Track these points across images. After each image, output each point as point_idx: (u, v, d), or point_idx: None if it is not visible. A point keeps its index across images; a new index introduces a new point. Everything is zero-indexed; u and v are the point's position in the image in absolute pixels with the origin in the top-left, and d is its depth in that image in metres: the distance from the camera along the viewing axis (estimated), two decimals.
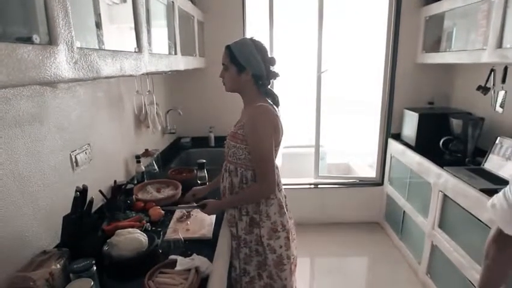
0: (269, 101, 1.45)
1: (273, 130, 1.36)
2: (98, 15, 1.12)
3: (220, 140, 2.97)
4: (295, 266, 1.59)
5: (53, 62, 0.75)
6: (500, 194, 0.92)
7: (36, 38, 0.73)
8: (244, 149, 1.38)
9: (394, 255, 2.83)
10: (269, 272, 1.46)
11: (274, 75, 1.44)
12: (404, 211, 2.75)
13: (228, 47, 1.38)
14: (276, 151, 1.42)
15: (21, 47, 0.66)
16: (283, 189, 1.52)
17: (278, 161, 1.48)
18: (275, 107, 1.45)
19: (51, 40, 0.76)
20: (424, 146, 2.60)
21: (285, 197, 1.54)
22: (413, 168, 2.55)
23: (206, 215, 1.51)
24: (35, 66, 0.70)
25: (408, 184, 2.68)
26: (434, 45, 2.70)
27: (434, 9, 2.60)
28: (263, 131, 1.34)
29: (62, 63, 0.78)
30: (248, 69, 1.36)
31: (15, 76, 0.64)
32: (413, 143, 2.70)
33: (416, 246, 2.52)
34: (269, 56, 1.41)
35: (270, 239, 1.43)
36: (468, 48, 2.20)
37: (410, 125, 2.76)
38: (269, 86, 1.47)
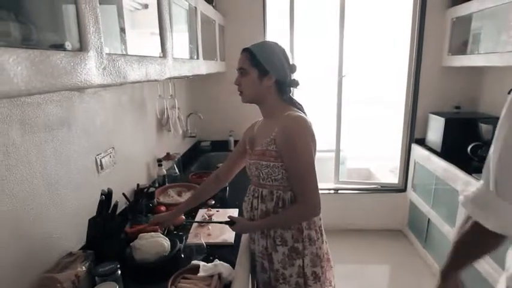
0: (295, 109, 1.26)
1: (312, 141, 1.20)
2: (122, 20, 1.14)
3: None
4: None
5: (84, 68, 0.76)
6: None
7: (68, 44, 0.74)
8: (280, 167, 1.19)
9: (418, 265, 2.73)
10: None
11: (295, 83, 1.29)
12: (429, 219, 2.66)
13: (247, 50, 1.23)
14: None
15: (54, 54, 0.67)
16: None
17: None
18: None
19: (82, 46, 0.77)
20: (450, 151, 2.50)
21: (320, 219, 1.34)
22: (439, 174, 2.46)
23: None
24: (67, 72, 0.71)
25: (433, 191, 2.59)
26: (461, 47, 2.61)
27: (462, 10, 2.51)
28: (302, 142, 1.16)
29: (91, 69, 0.79)
30: (272, 73, 1.20)
31: (48, 83, 0.65)
32: (438, 149, 2.61)
33: (442, 256, 2.41)
34: (290, 62, 1.27)
35: (314, 267, 1.25)
36: (498, 50, 2.11)
37: (435, 130, 2.68)
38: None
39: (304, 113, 1.29)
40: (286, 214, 1.22)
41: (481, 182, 0.83)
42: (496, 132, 0.81)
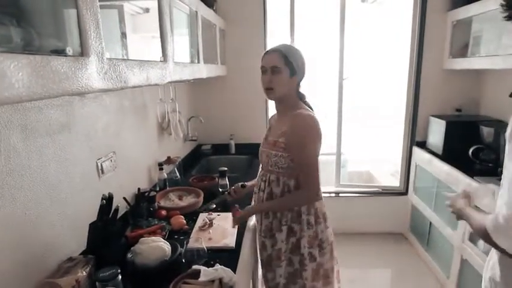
0: (307, 108, 1.43)
1: (318, 137, 1.36)
2: (123, 25, 1.15)
3: (240, 148, 2.97)
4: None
5: (85, 73, 0.76)
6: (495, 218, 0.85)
7: (69, 50, 0.74)
8: (286, 157, 1.35)
9: (420, 268, 2.72)
10: (303, 283, 1.42)
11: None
12: (430, 222, 2.65)
13: (278, 50, 1.35)
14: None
15: (55, 59, 0.67)
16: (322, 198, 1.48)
17: None
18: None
19: (83, 52, 0.77)
20: (451, 154, 2.49)
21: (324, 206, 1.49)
22: (441, 177, 2.45)
23: (228, 224, 1.54)
24: (68, 77, 0.71)
25: (435, 194, 2.58)
26: (462, 50, 2.61)
27: (462, 13, 2.51)
28: (309, 138, 1.33)
29: (92, 74, 0.79)
30: (298, 74, 1.37)
31: (49, 88, 0.65)
32: (440, 152, 2.60)
33: (445, 259, 2.41)
34: None
35: (311, 248, 1.40)
36: (500, 53, 2.11)
37: (436, 132, 2.67)
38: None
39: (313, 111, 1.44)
40: (290, 198, 1.40)
41: (505, 208, 0.83)
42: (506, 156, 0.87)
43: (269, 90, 1.37)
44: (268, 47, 2.94)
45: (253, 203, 1.61)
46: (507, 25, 2.05)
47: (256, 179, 1.61)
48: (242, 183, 1.65)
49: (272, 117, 1.57)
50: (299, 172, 1.36)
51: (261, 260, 1.54)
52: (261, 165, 1.54)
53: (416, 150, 2.97)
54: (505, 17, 0.95)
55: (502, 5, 0.94)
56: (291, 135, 1.33)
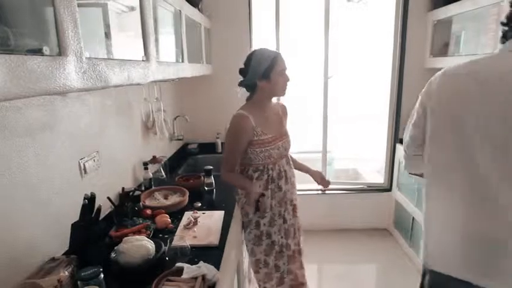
0: None
1: None
2: (107, 25, 1.14)
3: None
4: None
5: (62, 73, 0.76)
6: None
7: (46, 49, 0.74)
8: None
9: (404, 263, 2.79)
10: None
11: None
12: (413, 218, 2.71)
13: None
14: None
15: (31, 59, 0.67)
16: None
17: None
18: None
19: (61, 51, 0.77)
20: None
21: None
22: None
23: (212, 223, 1.57)
24: (45, 77, 0.71)
25: (417, 190, 2.64)
26: (442, 49, 2.68)
27: (442, 13, 2.58)
28: None
29: (71, 73, 0.79)
30: None
31: (26, 87, 0.65)
32: None
33: None
34: None
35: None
36: (478, 52, 2.17)
37: None
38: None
39: None
40: None
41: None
42: None
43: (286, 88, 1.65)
44: (254, 46, 2.96)
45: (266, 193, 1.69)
46: (485, 25, 2.12)
47: (256, 182, 1.66)
48: (260, 192, 1.61)
49: (246, 117, 1.63)
50: None
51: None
52: (271, 159, 1.66)
53: (399, 148, 3.04)
54: (502, 38, 0.96)
55: (502, 23, 0.96)
56: (286, 117, 1.81)
